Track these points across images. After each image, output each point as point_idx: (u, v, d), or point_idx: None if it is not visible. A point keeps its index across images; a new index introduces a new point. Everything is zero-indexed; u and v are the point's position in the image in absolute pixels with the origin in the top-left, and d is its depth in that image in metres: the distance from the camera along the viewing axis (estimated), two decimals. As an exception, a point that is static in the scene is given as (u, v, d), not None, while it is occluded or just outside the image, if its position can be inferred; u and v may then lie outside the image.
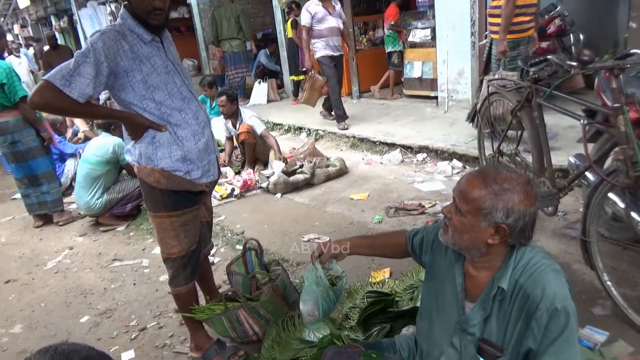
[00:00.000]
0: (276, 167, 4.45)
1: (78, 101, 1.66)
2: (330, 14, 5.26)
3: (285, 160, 4.57)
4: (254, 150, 4.74)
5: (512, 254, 1.28)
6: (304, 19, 5.32)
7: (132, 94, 1.78)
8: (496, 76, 3.63)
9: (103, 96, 6.72)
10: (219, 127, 4.98)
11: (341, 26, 5.43)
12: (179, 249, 2.00)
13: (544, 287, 1.19)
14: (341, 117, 5.62)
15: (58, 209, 4.28)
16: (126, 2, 1.80)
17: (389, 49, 6.78)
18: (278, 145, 4.67)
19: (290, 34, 7.47)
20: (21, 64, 8.46)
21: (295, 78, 7.74)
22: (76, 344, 1.00)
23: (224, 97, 4.66)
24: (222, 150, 5.00)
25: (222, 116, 4.90)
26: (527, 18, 3.97)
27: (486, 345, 1.30)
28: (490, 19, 3.84)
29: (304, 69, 6.56)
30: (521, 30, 3.98)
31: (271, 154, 4.71)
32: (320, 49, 5.38)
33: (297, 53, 7.51)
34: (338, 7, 5.38)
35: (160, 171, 1.86)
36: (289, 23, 7.48)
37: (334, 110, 5.70)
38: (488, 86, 3.12)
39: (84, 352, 0.98)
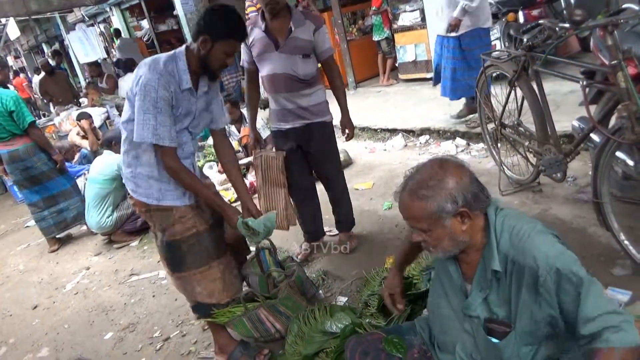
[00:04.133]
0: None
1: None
2: (278, 47, 2.50)
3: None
4: (256, 152, 4.74)
5: (490, 227, 1.29)
6: (242, 55, 2.71)
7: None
8: None
9: (102, 116, 6.72)
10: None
11: (299, 72, 2.53)
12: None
13: (534, 255, 1.19)
14: (306, 234, 3.05)
15: (77, 223, 4.36)
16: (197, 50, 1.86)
17: (376, 38, 6.77)
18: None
19: None
20: None
21: None
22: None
23: (228, 105, 4.69)
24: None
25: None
26: None
27: (493, 324, 1.30)
28: None
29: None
30: None
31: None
32: (271, 117, 2.79)
33: None
34: (307, 29, 2.50)
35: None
36: None
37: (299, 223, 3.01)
38: (483, 60, 3.09)
39: None
